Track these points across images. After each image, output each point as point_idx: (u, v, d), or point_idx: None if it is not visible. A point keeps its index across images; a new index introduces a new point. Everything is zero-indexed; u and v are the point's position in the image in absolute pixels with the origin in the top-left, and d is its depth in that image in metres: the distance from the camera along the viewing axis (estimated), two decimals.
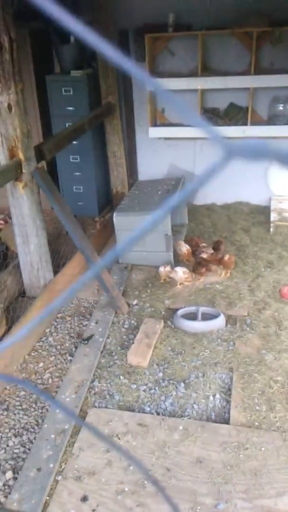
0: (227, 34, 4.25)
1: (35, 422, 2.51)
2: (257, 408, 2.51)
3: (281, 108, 4.54)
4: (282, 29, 4.02)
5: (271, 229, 4.56)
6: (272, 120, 4.61)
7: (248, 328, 3.16)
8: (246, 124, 4.52)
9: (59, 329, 3.28)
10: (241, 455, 2.23)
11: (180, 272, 3.56)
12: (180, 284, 3.64)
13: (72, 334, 3.22)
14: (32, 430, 2.46)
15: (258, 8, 4.09)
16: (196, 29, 4.25)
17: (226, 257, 3.71)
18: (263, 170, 4.96)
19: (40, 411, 2.58)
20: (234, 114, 4.64)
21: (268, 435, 2.33)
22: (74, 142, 3.78)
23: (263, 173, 4.98)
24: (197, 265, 3.70)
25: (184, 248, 3.83)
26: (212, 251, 3.85)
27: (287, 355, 2.88)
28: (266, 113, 4.67)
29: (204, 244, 3.95)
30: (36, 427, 2.47)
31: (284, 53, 4.32)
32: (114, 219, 3.85)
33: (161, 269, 3.67)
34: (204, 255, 3.79)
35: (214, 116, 4.62)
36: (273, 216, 4.76)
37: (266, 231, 4.59)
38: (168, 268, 3.65)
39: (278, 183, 5.00)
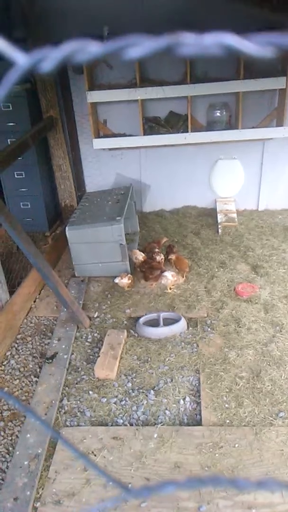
0: None
1: (6, 451, 2.41)
2: (227, 406, 2.58)
3: (218, 114, 4.73)
4: None
5: (219, 230, 4.72)
6: (210, 126, 4.79)
7: (209, 329, 3.24)
8: (187, 131, 4.65)
9: (20, 350, 3.18)
10: (216, 455, 2.28)
11: (169, 276, 3.58)
12: (170, 289, 3.67)
13: (35, 354, 3.14)
14: (3, 459, 2.36)
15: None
16: None
17: (173, 256, 3.82)
18: (206, 174, 5.13)
19: (10, 438, 2.49)
20: (175, 122, 4.76)
21: (240, 431, 2.40)
22: (19, 158, 3.71)
23: (207, 177, 5.15)
24: (151, 269, 3.75)
25: (140, 256, 3.87)
26: (162, 256, 3.92)
27: (249, 351, 2.98)
28: (205, 119, 4.84)
29: (157, 250, 4.01)
30: (7, 456, 2.38)
31: (217, 61, 4.51)
32: (67, 233, 3.81)
33: (117, 280, 3.68)
34: (158, 258, 3.85)
35: (156, 124, 4.72)
36: (220, 218, 4.93)
37: (215, 232, 4.74)
38: (125, 279, 3.67)
39: (221, 186, 5.19)
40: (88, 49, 0.32)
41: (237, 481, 0.43)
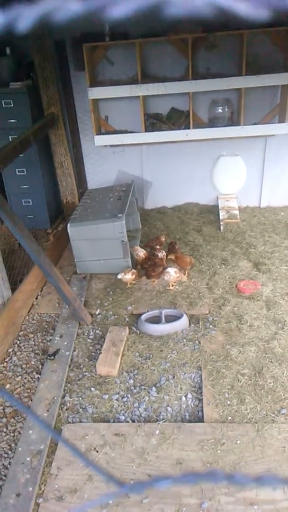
0: (163, 41, 4.35)
1: (8, 447, 2.42)
2: (228, 402, 2.58)
3: (220, 110, 4.71)
4: (216, 34, 4.18)
5: (221, 227, 4.71)
6: (212, 122, 4.77)
7: (211, 326, 3.24)
8: (189, 128, 4.64)
9: (22, 347, 3.19)
10: (218, 451, 2.28)
11: (172, 272, 3.58)
12: (171, 286, 3.67)
13: (37, 351, 3.14)
14: (5, 455, 2.37)
15: None
16: (132, 37, 4.31)
17: (173, 256, 3.81)
18: (208, 171, 5.12)
19: (12, 434, 2.49)
20: (177, 118, 4.75)
21: (242, 427, 2.40)
22: (20, 155, 3.70)
23: (209, 174, 5.14)
24: (153, 266, 3.74)
25: (142, 253, 3.87)
26: (164, 252, 3.91)
27: (251, 348, 2.98)
28: (207, 116, 4.82)
29: (158, 246, 4.00)
30: (9, 452, 2.38)
31: (218, 57, 4.49)
32: (69, 230, 3.81)
33: (121, 275, 3.67)
34: (160, 254, 3.84)
35: (158, 121, 4.71)
36: (222, 215, 4.92)
37: (217, 229, 4.73)
38: (129, 274, 3.66)
39: (223, 182, 5.18)
40: (67, 7, 0.30)
41: (235, 477, 0.42)
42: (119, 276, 3.68)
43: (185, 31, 4.19)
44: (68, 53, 4.52)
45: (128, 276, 3.66)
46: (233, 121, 4.74)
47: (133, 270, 3.73)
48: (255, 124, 4.69)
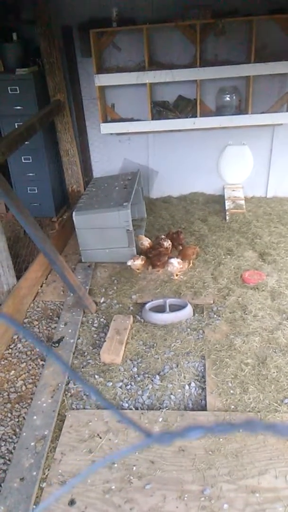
0: (171, 27, 4.28)
1: (13, 432, 2.45)
2: (232, 391, 2.59)
3: (228, 98, 4.65)
4: (225, 20, 4.11)
5: (227, 217, 4.68)
6: (220, 110, 4.72)
7: (215, 316, 3.24)
8: (195, 116, 4.59)
9: None
10: (221, 439, 2.29)
11: (175, 263, 3.58)
12: (176, 275, 3.67)
13: (42, 338, 3.16)
14: (10, 440, 2.40)
15: (200, 0, 4.15)
16: (140, 23, 4.25)
17: (190, 249, 3.79)
18: (215, 161, 5.08)
19: (17, 419, 2.52)
20: (184, 107, 4.70)
21: (245, 416, 2.41)
22: (26, 142, 3.69)
23: (215, 163, 5.10)
24: (158, 256, 3.73)
25: (146, 242, 3.86)
26: (169, 242, 3.89)
27: (255, 338, 2.98)
28: (214, 104, 4.77)
29: (163, 236, 3.98)
30: (14, 437, 2.41)
31: (227, 44, 4.42)
32: (74, 218, 3.80)
33: (130, 262, 3.67)
34: (165, 244, 3.83)
35: (165, 109, 4.66)
36: (228, 205, 4.89)
37: (222, 219, 4.70)
38: (138, 260, 3.66)
39: (230, 172, 5.14)
40: None
41: (276, 426, 0.41)
42: (129, 263, 3.67)
43: (194, 17, 4.12)
44: (75, 39, 4.47)
45: (138, 262, 3.65)
46: (240, 109, 4.68)
47: (142, 256, 3.72)
48: (263, 112, 4.63)
